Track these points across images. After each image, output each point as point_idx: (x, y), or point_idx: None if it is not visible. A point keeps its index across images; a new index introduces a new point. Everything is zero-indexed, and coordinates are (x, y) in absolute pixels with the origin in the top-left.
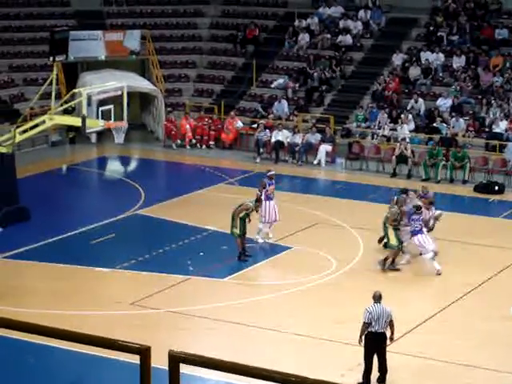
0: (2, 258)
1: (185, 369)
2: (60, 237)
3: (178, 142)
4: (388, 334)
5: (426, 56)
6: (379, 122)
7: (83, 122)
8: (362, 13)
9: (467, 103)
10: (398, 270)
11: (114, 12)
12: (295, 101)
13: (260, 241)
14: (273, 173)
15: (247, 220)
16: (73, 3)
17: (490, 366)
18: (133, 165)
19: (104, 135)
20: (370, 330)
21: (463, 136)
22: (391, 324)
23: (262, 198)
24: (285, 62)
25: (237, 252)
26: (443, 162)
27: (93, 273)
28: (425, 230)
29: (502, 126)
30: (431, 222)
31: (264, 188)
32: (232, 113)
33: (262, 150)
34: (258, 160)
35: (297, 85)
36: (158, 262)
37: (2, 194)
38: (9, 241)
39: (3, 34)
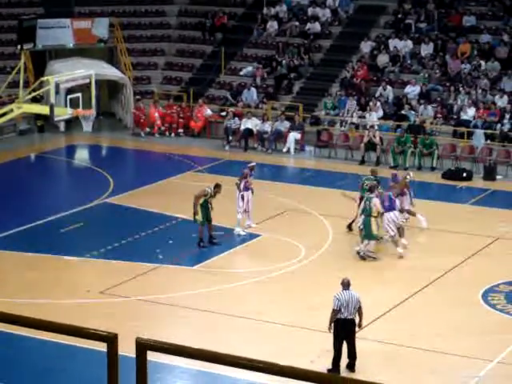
0: None
1: (153, 356)
2: (29, 225)
3: (147, 130)
4: (357, 320)
5: (395, 43)
6: (348, 110)
7: (51, 110)
8: (330, 0)
9: (435, 90)
10: (375, 258)
11: (82, 0)
12: (264, 88)
13: (242, 233)
14: (254, 164)
15: (210, 206)
16: None
17: (456, 352)
18: (101, 153)
19: (72, 123)
20: (339, 316)
21: (431, 123)
22: (360, 311)
23: (241, 188)
24: (253, 49)
25: (203, 239)
26: (411, 149)
27: (62, 261)
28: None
29: (469, 113)
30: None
31: (245, 178)
32: (201, 100)
33: (231, 138)
34: (227, 148)
35: (265, 72)
36: (127, 251)
37: None
38: None
39: None
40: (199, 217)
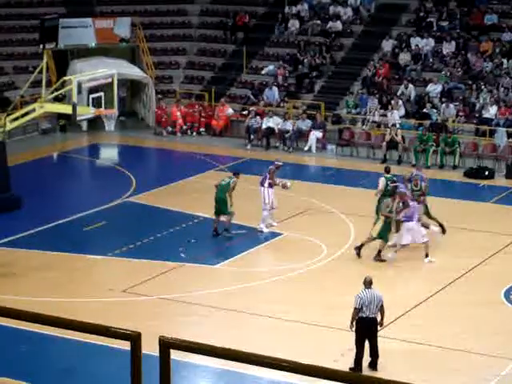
0: None
1: (176, 355)
2: (51, 225)
3: (169, 129)
4: (379, 319)
5: (416, 42)
6: (369, 108)
7: (74, 109)
8: None
9: (457, 89)
10: (383, 260)
11: None
12: (286, 87)
13: (265, 230)
14: (281, 164)
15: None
16: None
17: (478, 351)
18: (123, 152)
19: (95, 123)
20: (361, 315)
21: (453, 121)
22: (381, 309)
23: (266, 185)
24: (275, 48)
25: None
26: (433, 148)
27: (85, 260)
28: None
29: (491, 112)
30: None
31: (271, 176)
32: (222, 100)
33: (252, 137)
34: (248, 147)
35: (287, 71)
36: (150, 249)
37: None
38: (1, 229)
39: None
40: (231, 207)
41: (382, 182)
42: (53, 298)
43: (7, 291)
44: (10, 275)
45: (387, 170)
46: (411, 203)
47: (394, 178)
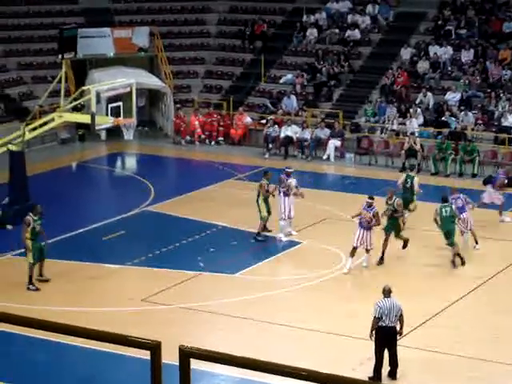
0: (13, 256)
1: (195, 364)
2: (70, 234)
3: (187, 138)
4: (398, 328)
5: (435, 50)
6: (388, 117)
7: (92, 119)
8: (369, 7)
9: (476, 97)
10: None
11: (122, 9)
12: (304, 96)
13: (284, 239)
14: (291, 170)
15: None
16: (81, 1)
17: (499, 360)
18: (142, 161)
19: (113, 132)
20: (380, 324)
21: (472, 130)
22: (401, 318)
23: (281, 194)
24: (293, 57)
25: (248, 244)
26: (452, 156)
27: (103, 269)
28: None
29: (510, 119)
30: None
31: (282, 184)
32: (241, 109)
33: (270, 146)
34: (266, 156)
35: (305, 80)
36: (169, 258)
37: (12, 192)
38: (19, 238)
39: (12, 32)
40: (264, 212)
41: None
42: (71, 307)
43: (27, 301)
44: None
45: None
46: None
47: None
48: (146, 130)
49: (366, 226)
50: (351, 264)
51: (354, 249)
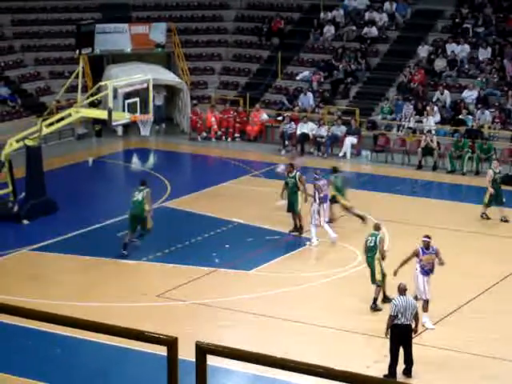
0: (29, 251)
1: (211, 360)
2: (86, 229)
3: (204, 134)
4: (413, 326)
5: (452, 48)
6: (405, 114)
7: (109, 114)
8: (387, 5)
9: (493, 95)
10: (379, 310)
11: (139, 5)
12: (320, 93)
13: (315, 242)
14: (317, 171)
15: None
16: None
17: None
18: (159, 157)
19: (130, 128)
20: (396, 322)
21: (489, 128)
22: (416, 316)
23: (317, 200)
24: (310, 54)
25: (263, 241)
26: (469, 154)
27: (119, 265)
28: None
29: None
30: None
31: (317, 190)
32: (257, 105)
33: (287, 143)
34: (283, 152)
35: (322, 77)
36: (184, 254)
37: (28, 187)
38: (36, 233)
39: (29, 27)
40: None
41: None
42: (87, 302)
43: (42, 295)
44: (45, 279)
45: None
46: None
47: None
48: (163, 128)
49: (428, 270)
50: (430, 323)
51: (427, 302)
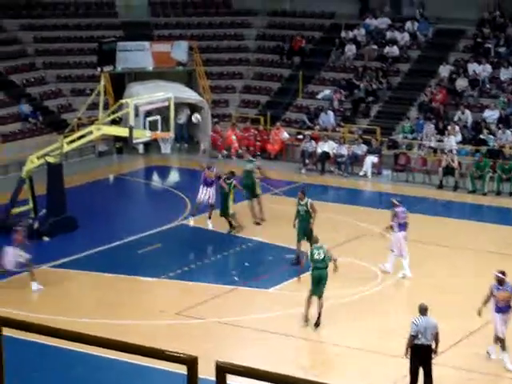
0: (49, 267)
1: (231, 379)
2: (107, 246)
3: (224, 152)
4: (433, 346)
5: (473, 67)
6: (426, 134)
7: (130, 132)
8: (408, 24)
9: None
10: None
11: (161, 23)
12: (341, 112)
13: (408, 274)
14: (398, 199)
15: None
16: (120, 14)
17: None
18: (179, 175)
19: (151, 145)
20: (416, 342)
21: (510, 148)
22: (436, 337)
23: (396, 228)
24: (331, 73)
25: (283, 259)
26: (490, 174)
27: (139, 282)
28: None
29: None
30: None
31: (395, 216)
32: (278, 124)
33: (307, 161)
34: (303, 171)
35: (343, 96)
36: (204, 272)
37: (49, 204)
38: (56, 250)
39: (51, 44)
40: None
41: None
42: (106, 319)
43: (62, 312)
44: (65, 296)
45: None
46: None
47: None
48: (185, 146)
49: (504, 308)
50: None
51: (503, 341)
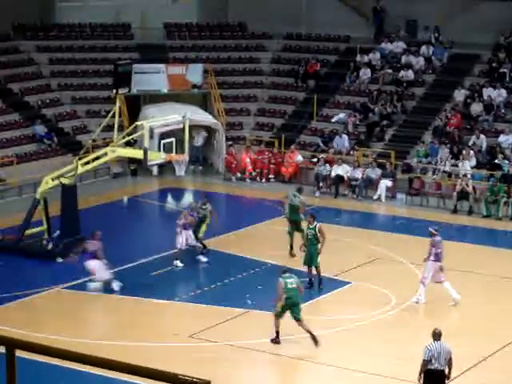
0: (62, 289)
1: None
2: (120, 268)
3: (238, 175)
4: (446, 371)
5: (488, 92)
6: (440, 158)
7: (145, 154)
8: (424, 48)
9: None
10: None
11: (176, 45)
12: (356, 135)
13: (422, 300)
14: (435, 228)
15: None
16: (136, 36)
17: None
18: (193, 197)
19: (165, 167)
20: (429, 367)
21: None
22: (450, 362)
23: (431, 257)
24: (346, 96)
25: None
26: (505, 199)
27: (152, 305)
28: None
29: None
30: None
31: (433, 246)
32: (292, 147)
33: (321, 184)
34: (317, 194)
35: (357, 119)
36: (217, 295)
37: (63, 225)
38: (69, 271)
39: (67, 66)
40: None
41: None
42: (118, 341)
43: (74, 334)
44: (77, 318)
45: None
46: None
47: None
48: (200, 168)
49: None
50: None
51: None
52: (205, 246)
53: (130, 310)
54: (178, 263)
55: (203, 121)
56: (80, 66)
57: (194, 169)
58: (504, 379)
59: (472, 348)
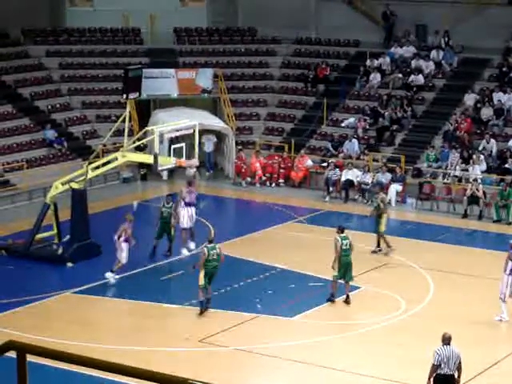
0: (72, 293)
1: None
2: (130, 273)
3: (248, 179)
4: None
5: (499, 97)
6: (450, 163)
7: (155, 159)
8: (434, 53)
9: None
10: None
11: (186, 50)
12: (366, 140)
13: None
14: None
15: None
16: (146, 41)
17: None
18: (203, 202)
19: (175, 172)
20: (438, 372)
21: None
22: (459, 367)
23: (507, 271)
24: (356, 101)
25: (306, 287)
26: None
27: (161, 309)
28: None
29: None
30: None
31: (511, 260)
32: (302, 151)
33: (331, 189)
34: (327, 199)
35: (367, 124)
36: (227, 300)
37: (73, 230)
38: (79, 276)
39: (77, 71)
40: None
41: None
42: (128, 346)
43: (84, 339)
44: (87, 323)
45: None
46: None
47: None
48: (210, 172)
49: None
50: None
51: None
52: (169, 249)
53: (140, 314)
54: (186, 251)
55: (213, 125)
56: (90, 71)
57: (205, 173)
58: None
59: (482, 353)
